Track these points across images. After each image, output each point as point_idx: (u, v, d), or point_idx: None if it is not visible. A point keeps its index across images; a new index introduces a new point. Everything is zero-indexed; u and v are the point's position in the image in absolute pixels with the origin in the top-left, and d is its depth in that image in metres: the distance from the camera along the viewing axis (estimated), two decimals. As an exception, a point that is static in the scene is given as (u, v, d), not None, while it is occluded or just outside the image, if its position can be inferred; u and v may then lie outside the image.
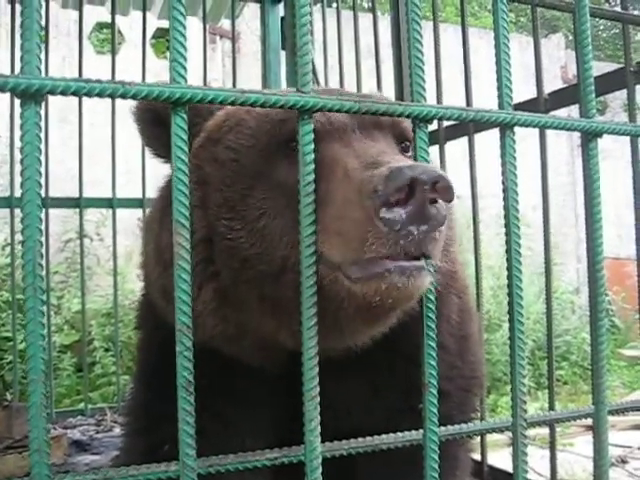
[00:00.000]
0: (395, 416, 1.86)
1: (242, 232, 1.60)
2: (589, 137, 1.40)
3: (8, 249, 6.57)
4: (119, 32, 8.21)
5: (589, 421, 4.79)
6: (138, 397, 2.20)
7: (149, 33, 5.21)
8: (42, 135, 0.97)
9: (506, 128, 1.29)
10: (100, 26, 9.48)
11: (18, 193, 4.31)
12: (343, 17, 4.24)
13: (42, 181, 0.96)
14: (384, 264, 1.28)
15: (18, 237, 5.03)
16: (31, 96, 0.95)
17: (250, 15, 7.83)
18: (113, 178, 4.30)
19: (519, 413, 1.31)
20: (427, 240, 1.25)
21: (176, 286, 1.02)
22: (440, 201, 1.23)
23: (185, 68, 1.03)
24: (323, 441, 1.17)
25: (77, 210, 4.59)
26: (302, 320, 1.09)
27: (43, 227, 0.97)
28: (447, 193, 1.22)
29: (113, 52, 4.70)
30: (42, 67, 0.97)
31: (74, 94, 0.97)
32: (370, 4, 4.35)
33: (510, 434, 1.35)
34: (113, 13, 4.53)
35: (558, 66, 11.09)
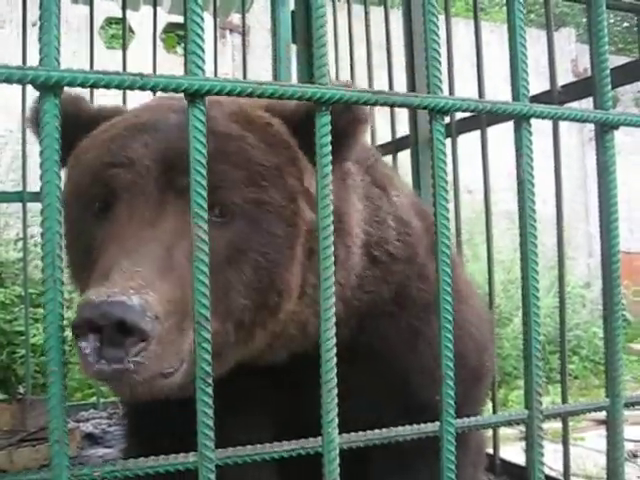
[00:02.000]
0: (378, 412, 1.87)
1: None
2: (605, 129, 1.39)
3: (20, 244, 6.61)
4: (129, 28, 8.22)
5: (600, 415, 4.78)
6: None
7: (159, 28, 5.20)
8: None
9: (522, 120, 1.29)
10: (109, 22, 9.51)
11: (30, 188, 4.35)
12: (353, 11, 4.24)
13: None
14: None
15: (30, 232, 5.07)
16: (50, 88, 0.95)
17: (260, 9, 7.82)
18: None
19: (535, 405, 1.31)
20: (121, 375, 1.22)
21: (195, 278, 1.02)
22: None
23: (203, 60, 1.04)
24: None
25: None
26: (320, 312, 1.10)
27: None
28: (137, 333, 1.19)
29: (124, 46, 4.71)
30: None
31: (93, 86, 0.97)
32: (381, -3, 4.34)
33: (521, 428, 1.35)
34: (124, 7, 4.53)
35: (569, 59, 11.04)
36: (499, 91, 3.58)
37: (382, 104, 1.16)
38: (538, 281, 1.32)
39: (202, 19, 1.03)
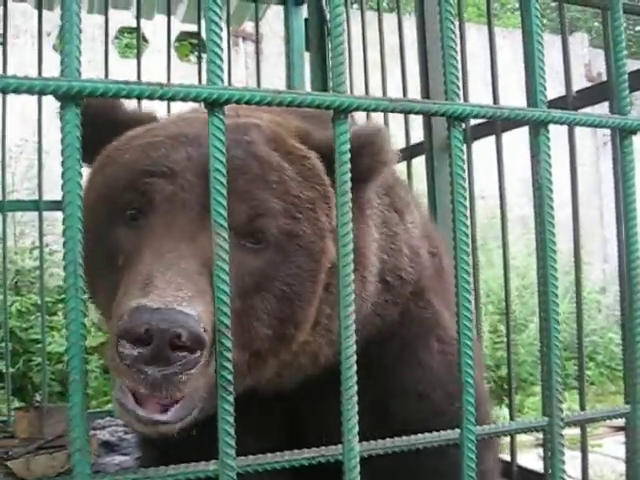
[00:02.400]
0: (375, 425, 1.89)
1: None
2: (623, 134, 1.39)
3: (35, 252, 6.65)
4: (143, 37, 8.26)
5: (617, 422, 4.75)
6: None
7: (173, 37, 5.23)
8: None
9: (540, 126, 1.28)
10: (123, 31, 9.56)
11: (46, 197, 4.37)
12: (366, 18, 4.24)
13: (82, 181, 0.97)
14: (128, 403, 1.31)
15: (46, 240, 5.10)
16: (71, 98, 0.96)
17: (273, 17, 7.85)
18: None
19: (555, 413, 1.30)
20: (170, 382, 1.22)
21: (215, 287, 1.03)
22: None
23: (222, 69, 1.04)
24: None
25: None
26: (340, 320, 1.10)
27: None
28: (192, 343, 1.19)
29: (139, 55, 4.75)
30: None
31: (114, 96, 0.98)
32: (395, 3, 4.34)
33: (538, 435, 1.35)
34: (138, 17, 4.56)
35: (582, 64, 11.01)
36: (512, 96, 3.56)
37: (400, 111, 1.16)
38: (557, 287, 1.31)
39: (220, 29, 1.04)
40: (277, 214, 1.56)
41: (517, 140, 3.61)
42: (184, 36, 9.03)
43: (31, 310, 6.36)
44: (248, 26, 8.41)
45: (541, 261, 1.30)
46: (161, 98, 1.00)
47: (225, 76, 1.05)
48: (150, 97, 1.00)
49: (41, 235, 4.49)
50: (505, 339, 3.66)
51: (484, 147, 3.39)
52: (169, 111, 3.81)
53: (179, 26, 6.07)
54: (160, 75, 5.01)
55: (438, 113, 1.19)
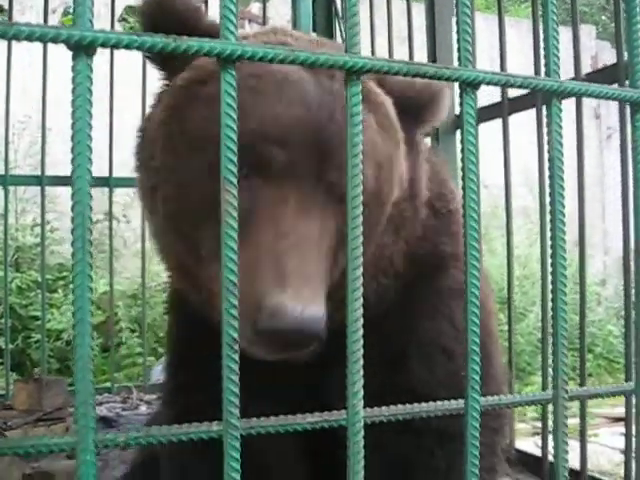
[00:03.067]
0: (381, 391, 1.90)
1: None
2: (636, 107, 1.38)
3: (36, 229, 6.65)
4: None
5: (613, 413, 4.77)
6: (166, 373, 2.26)
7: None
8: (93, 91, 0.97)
9: (553, 96, 1.27)
10: (129, 10, 9.50)
11: (49, 172, 4.36)
12: (375, 2, 4.22)
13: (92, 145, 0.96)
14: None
15: (47, 217, 5.10)
16: (83, 48, 0.95)
17: (279, 0, 7.83)
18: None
19: (561, 385, 1.30)
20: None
21: (223, 243, 1.02)
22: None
23: (235, 25, 1.03)
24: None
25: (103, 192, 4.63)
26: (347, 277, 1.09)
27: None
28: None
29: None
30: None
31: (126, 47, 0.97)
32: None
33: (535, 423, 1.34)
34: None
35: (588, 56, 10.97)
36: (519, 91, 3.55)
37: (414, 75, 1.14)
38: (566, 259, 1.30)
39: (234, -17, 1.02)
40: (368, 179, 1.59)
41: (519, 131, 3.60)
42: None
43: (31, 287, 6.37)
44: (254, 7, 8.36)
45: (551, 227, 1.29)
46: (173, 51, 0.99)
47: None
48: (162, 50, 0.99)
49: (43, 211, 4.50)
50: (505, 327, 3.66)
51: (486, 136, 3.37)
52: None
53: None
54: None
55: (451, 78, 1.18)
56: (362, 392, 1.11)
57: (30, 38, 0.93)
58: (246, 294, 1.33)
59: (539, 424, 3.63)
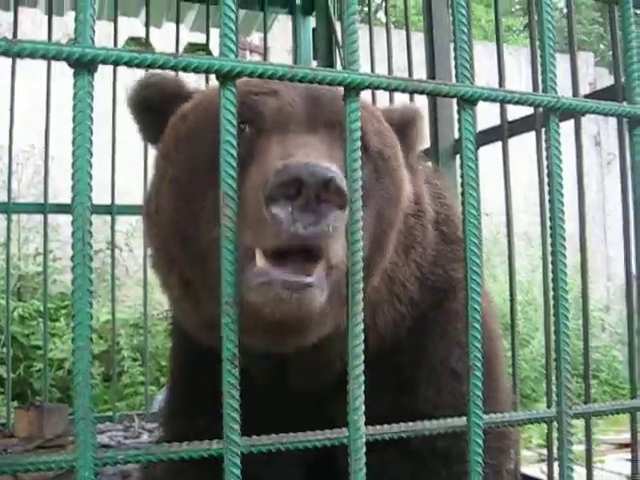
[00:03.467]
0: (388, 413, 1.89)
1: (184, 213, 1.64)
2: (633, 123, 1.39)
3: (38, 259, 6.66)
4: (151, 48, 8.33)
5: (620, 439, 4.71)
6: (167, 396, 2.26)
7: (181, 47, 5.28)
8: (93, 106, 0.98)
9: (550, 112, 1.28)
10: (131, 42, 9.61)
11: (52, 199, 4.37)
12: (374, 34, 4.27)
13: (93, 149, 0.96)
14: (269, 274, 1.29)
15: (50, 246, 5.11)
16: (84, 65, 0.96)
17: (279, 31, 7.89)
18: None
19: (565, 402, 1.29)
20: (317, 237, 1.23)
21: (222, 258, 1.02)
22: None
23: (234, 43, 1.04)
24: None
25: (106, 221, 4.64)
26: (348, 296, 1.09)
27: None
28: (338, 196, 1.20)
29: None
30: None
31: (127, 64, 0.98)
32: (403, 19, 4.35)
33: (541, 450, 1.33)
34: (147, 24, 4.59)
35: (586, 83, 11.05)
36: (518, 110, 3.57)
37: (411, 91, 1.15)
38: (566, 266, 1.29)
39: (234, 2, 1.04)
40: (374, 134, 1.72)
41: (518, 157, 3.62)
42: (192, 48, 9.08)
43: (33, 316, 6.36)
44: (255, 39, 8.45)
45: (552, 242, 1.29)
46: (173, 68, 1.00)
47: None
48: (162, 67, 1.00)
49: (45, 239, 4.50)
50: (509, 353, 3.64)
51: (487, 163, 3.39)
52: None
53: (187, 36, 6.11)
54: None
55: (449, 94, 1.18)
56: (363, 408, 1.10)
57: (33, 55, 0.94)
58: (258, 181, 1.32)
59: (545, 451, 3.59)
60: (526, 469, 3.67)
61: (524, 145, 3.18)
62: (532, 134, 3.00)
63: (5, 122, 4.38)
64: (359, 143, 1.11)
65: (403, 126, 1.94)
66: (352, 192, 1.11)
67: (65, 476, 3.01)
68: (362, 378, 1.10)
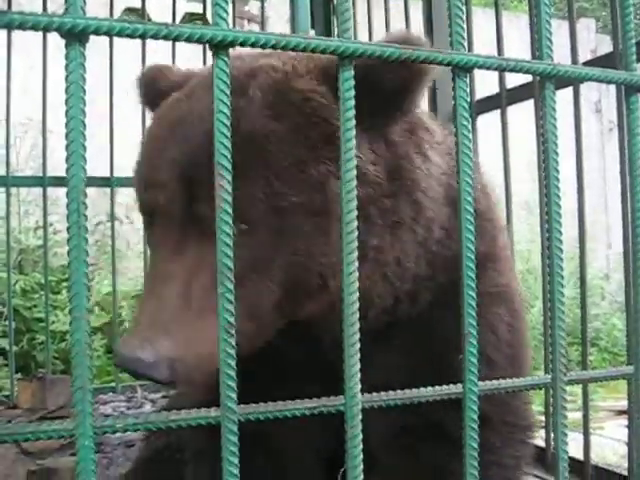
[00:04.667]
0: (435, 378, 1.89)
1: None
2: (629, 91, 1.38)
3: (39, 231, 6.66)
4: (148, 18, 8.24)
5: (618, 406, 4.75)
6: None
7: (177, 18, 5.24)
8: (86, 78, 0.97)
9: (546, 79, 1.27)
10: (128, 12, 9.51)
11: (51, 172, 4.37)
12: (372, 2, 4.23)
13: (86, 120, 0.96)
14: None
15: (50, 219, 5.11)
16: (76, 36, 0.95)
17: (278, 0, 7.84)
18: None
19: (559, 368, 1.30)
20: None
21: (218, 250, 1.02)
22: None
23: (226, 11, 1.03)
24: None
25: (106, 193, 4.64)
26: (343, 260, 1.09)
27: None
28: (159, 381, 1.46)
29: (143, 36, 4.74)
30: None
31: (118, 34, 0.97)
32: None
33: (540, 418, 1.34)
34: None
35: (588, 49, 10.96)
36: (518, 78, 3.55)
37: (405, 59, 1.15)
38: (562, 242, 1.30)
39: (226, -30, 1.03)
40: (258, 194, 1.56)
41: (524, 125, 3.60)
42: (189, 18, 8.99)
43: (35, 289, 6.38)
44: (253, 7, 8.38)
45: (547, 210, 1.28)
46: (165, 38, 1.00)
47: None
48: (154, 37, 0.99)
49: (45, 212, 4.50)
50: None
51: (487, 132, 3.37)
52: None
53: (185, 6, 6.06)
54: (165, 56, 5.00)
55: (443, 62, 1.18)
56: (359, 375, 1.11)
57: (23, 26, 0.93)
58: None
59: (542, 418, 3.63)
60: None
61: (530, 113, 3.15)
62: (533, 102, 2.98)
63: (2, 95, 4.36)
64: (353, 112, 1.11)
65: (396, 86, 1.65)
66: (345, 170, 1.11)
67: (70, 447, 3.05)
68: (358, 346, 1.11)
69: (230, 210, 1.02)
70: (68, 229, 0.95)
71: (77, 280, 0.96)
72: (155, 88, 1.94)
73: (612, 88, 11.02)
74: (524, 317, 2.17)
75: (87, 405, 0.97)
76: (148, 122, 1.97)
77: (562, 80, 1.30)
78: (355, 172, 1.10)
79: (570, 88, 2.77)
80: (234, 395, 1.04)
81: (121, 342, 1.49)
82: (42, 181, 4.43)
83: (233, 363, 1.03)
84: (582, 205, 2.86)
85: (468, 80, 1.23)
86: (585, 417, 2.78)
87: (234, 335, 1.03)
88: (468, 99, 1.21)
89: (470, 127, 1.22)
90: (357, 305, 1.10)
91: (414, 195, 1.75)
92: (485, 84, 3.32)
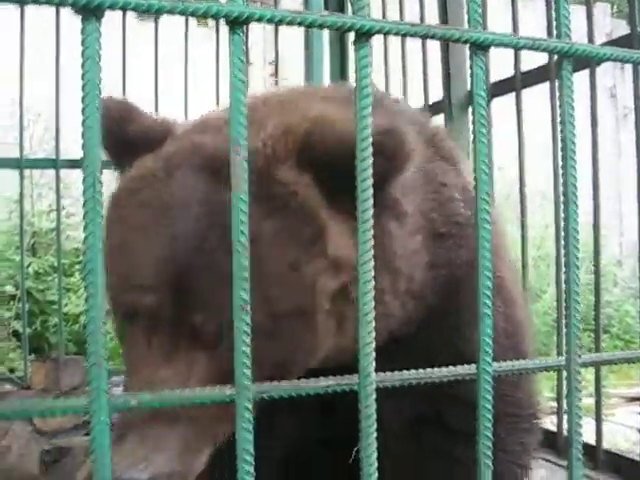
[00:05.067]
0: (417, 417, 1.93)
1: None
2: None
3: (52, 214, 6.70)
4: None
5: (630, 393, 4.74)
6: None
7: None
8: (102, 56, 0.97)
9: (564, 58, 1.26)
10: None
11: (64, 155, 4.38)
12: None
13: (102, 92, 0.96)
14: None
15: (63, 202, 5.14)
16: (92, 11, 0.95)
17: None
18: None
19: (573, 350, 1.29)
20: None
21: (234, 239, 1.02)
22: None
23: (242, -12, 1.03)
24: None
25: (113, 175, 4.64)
26: (358, 231, 1.09)
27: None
28: None
29: (157, 17, 4.76)
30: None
31: (134, 9, 0.96)
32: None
33: (551, 403, 1.33)
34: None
35: (603, 33, 10.85)
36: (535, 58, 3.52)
37: (422, 36, 1.14)
38: (578, 223, 1.29)
39: (242, -54, 1.02)
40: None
41: (541, 110, 3.57)
42: None
43: (48, 271, 6.42)
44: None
45: (563, 188, 1.27)
46: (182, 13, 0.99)
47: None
48: (170, 12, 0.99)
49: (58, 195, 4.52)
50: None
51: (501, 117, 3.34)
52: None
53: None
54: (178, 39, 5.01)
55: (460, 39, 1.17)
56: (374, 354, 1.11)
57: (38, 0, 0.93)
58: None
59: (555, 403, 3.62)
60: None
61: (545, 97, 3.12)
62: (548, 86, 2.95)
63: (15, 78, 4.38)
64: (369, 90, 1.10)
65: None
66: (360, 159, 1.10)
67: (83, 426, 3.08)
68: (373, 324, 1.10)
69: (246, 187, 1.02)
70: (84, 204, 0.94)
71: (92, 257, 0.96)
72: (122, 133, 1.74)
73: (627, 74, 10.92)
74: (523, 306, 2.15)
75: (102, 382, 0.97)
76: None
77: (580, 60, 1.29)
78: (370, 180, 1.08)
79: (586, 72, 2.74)
80: (249, 373, 1.04)
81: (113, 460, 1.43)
82: (55, 163, 4.44)
83: (248, 340, 1.03)
84: (597, 190, 2.84)
85: (486, 59, 1.21)
86: (597, 402, 2.78)
87: (249, 313, 1.03)
88: (486, 78, 1.20)
89: (486, 107, 1.21)
90: (372, 284, 1.09)
91: (393, 265, 1.73)
92: (498, 67, 3.29)
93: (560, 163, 1.28)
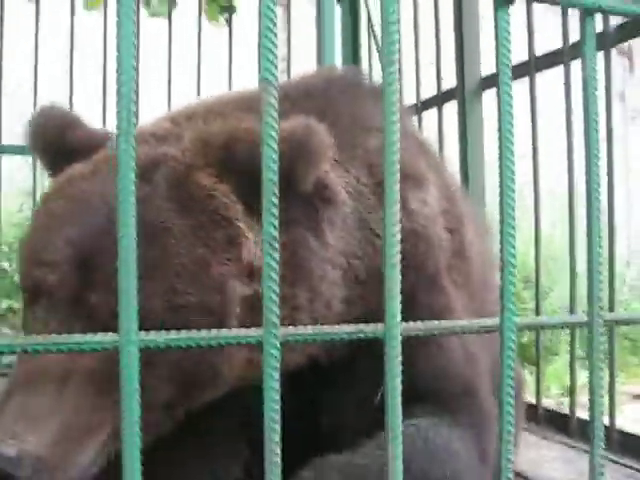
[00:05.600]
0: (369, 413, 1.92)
1: None
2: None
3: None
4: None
5: (635, 390, 4.73)
6: None
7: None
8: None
9: (587, 14, 1.26)
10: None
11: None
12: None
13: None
14: None
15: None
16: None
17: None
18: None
19: (596, 308, 1.29)
20: None
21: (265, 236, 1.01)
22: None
23: None
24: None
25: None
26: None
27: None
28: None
29: (170, 16, 4.80)
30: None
31: None
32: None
33: (560, 399, 1.32)
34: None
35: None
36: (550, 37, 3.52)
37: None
38: (600, 193, 1.29)
39: None
40: (155, 293, 1.55)
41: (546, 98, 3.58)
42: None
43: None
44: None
45: (585, 170, 1.27)
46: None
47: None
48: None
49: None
50: (529, 305, 3.62)
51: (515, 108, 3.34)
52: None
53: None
54: (191, 36, 5.01)
55: None
56: (399, 297, 1.11)
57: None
58: None
59: (563, 399, 3.63)
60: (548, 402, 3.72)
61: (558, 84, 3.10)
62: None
63: (30, 66, 4.42)
64: (396, 36, 1.11)
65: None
66: (389, 130, 1.10)
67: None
68: (399, 267, 1.10)
69: (276, 122, 1.02)
70: (117, 136, 0.95)
71: (125, 221, 0.97)
72: (61, 144, 1.85)
73: (636, 77, 10.88)
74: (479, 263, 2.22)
75: (132, 322, 0.98)
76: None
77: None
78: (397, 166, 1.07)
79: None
80: (275, 316, 1.04)
81: None
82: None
83: (276, 284, 1.03)
84: (612, 187, 2.84)
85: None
86: (611, 376, 2.77)
87: (277, 249, 1.03)
88: (509, 37, 1.20)
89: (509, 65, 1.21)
90: (398, 222, 1.09)
91: (311, 282, 1.77)
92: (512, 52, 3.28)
93: (575, 149, 1.27)
